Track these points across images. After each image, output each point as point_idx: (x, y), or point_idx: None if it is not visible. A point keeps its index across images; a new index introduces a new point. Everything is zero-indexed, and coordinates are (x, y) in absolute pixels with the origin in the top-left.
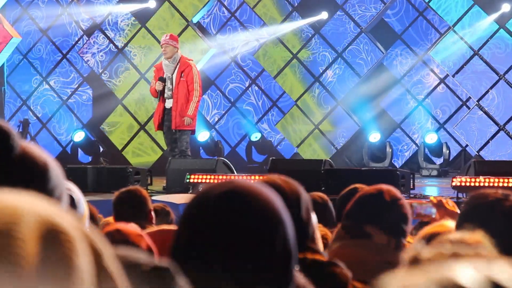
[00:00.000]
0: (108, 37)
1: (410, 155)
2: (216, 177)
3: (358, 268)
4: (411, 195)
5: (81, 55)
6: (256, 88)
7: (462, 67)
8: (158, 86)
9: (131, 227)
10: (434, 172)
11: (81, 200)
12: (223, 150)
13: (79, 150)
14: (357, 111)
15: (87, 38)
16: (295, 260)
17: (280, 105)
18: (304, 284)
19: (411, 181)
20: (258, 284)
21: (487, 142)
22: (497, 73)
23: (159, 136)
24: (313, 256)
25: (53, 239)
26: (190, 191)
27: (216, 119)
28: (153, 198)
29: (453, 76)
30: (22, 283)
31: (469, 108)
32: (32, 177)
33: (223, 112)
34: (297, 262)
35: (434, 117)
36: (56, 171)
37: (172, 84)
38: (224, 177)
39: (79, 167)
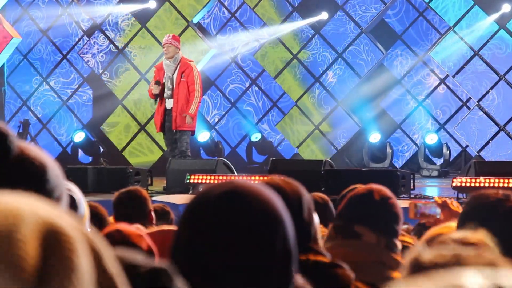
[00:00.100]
0: (108, 38)
1: (411, 155)
2: (216, 177)
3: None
4: (412, 196)
5: (81, 55)
6: (256, 88)
7: (462, 67)
8: (155, 89)
9: (131, 228)
10: (435, 173)
11: (82, 200)
12: (223, 151)
13: (79, 150)
14: (357, 111)
15: (87, 39)
16: (295, 260)
17: (280, 106)
18: (303, 284)
19: (412, 182)
20: (258, 284)
21: (488, 143)
22: (497, 74)
23: (159, 137)
24: (316, 258)
25: (53, 240)
26: (190, 192)
27: (216, 120)
28: (153, 198)
29: (453, 76)
30: (24, 284)
31: (469, 108)
32: (30, 178)
33: (223, 112)
34: (298, 263)
35: (434, 118)
36: (55, 171)
37: (172, 84)
38: (224, 177)
39: (79, 168)
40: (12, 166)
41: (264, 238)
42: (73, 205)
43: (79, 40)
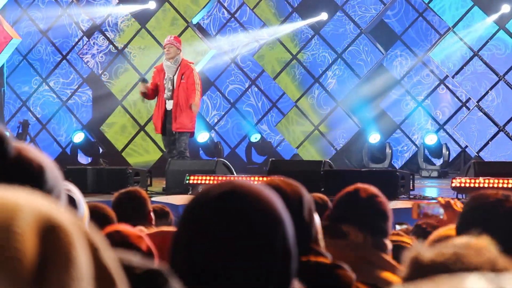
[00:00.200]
0: (108, 38)
1: (410, 156)
2: (216, 178)
3: None
4: (411, 196)
5: (80, 56)
6: (256, 89)
7: (462, 68)
8: (142, 88)
9: (131, 229)
10: (434, 173)
11: (81, 201)
12: (222, 151)
13: (79, 151)
14: (357, 112)
15: (87, 39)
16: (295, 261)
17: (279, 106)
18: None
19: (411, 182)
20: (257, 284)
21: (487, 143)
22: (497, 74)
23: (158, 137)
24: (316, 259)
25: (51, 233)
26: (190, 192)
27: (216, 120)
28: (153, 199)
29: (453, 77)
30: (21, 277)
31: (469, 109)
32: (27, 179)
33: (223, 113)
34: (299, 264)
35: (434, 118)
36: (52, 172)
37: (173, 85)
38: (224, 178)
39: (79, 168)
40: (10, 168)
41: (264, 238)
42: (72, 205)
43: (78, 40)
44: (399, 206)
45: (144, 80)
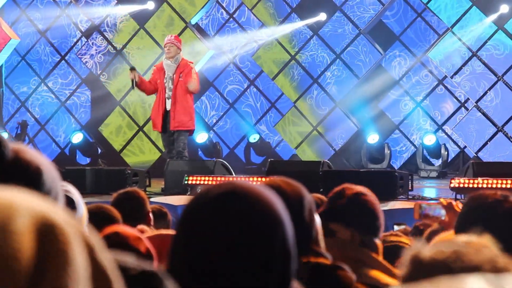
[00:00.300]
0: (106, 39)
1: (409, 156)
2: (215, 178)
3: None
4: (410, 197)
5: (79, 56)
6: (255, 89)
7: (460, 68)
8: (131, 75)
9: (130, 230)
10: (433, 174)
11: (80, 202)
12: (221, 152)
13: (78, 151)
14: (355, 112)
15: (86, 40)
16: (295, 261)
17: (278, 107)
18: None
19: (410, 183)
20: (257, 285)
21: (486, 144)
22: (495, 75)
23: (156, 138)
24: (317, 259)
25: (48, 233)
26: (188, 193)
27: (215, 121)
28: (151, 199)
29: (452, 77)
30: (19, 277)
31: (467, 109)
32: (25, 182)
33: (222, 113)
34: (299, 265)
35: (432, 119)
36: (50, 174)
37: (173, 84)
38: (223, 178)
39: (78, 169)
40: (7, 170)
41: (263, 239)
42: (71, 206)
43: (77, 41)
44: (398, 206)
45: (132, 68)
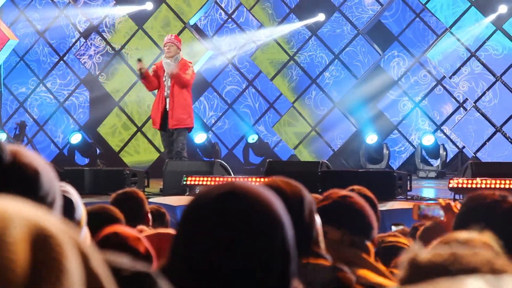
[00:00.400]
0: (105, 39)
1: (407, 156)
2: (213, 179)
3: None
4: (408, 197)
5: (78, 57)
6: (253, 90)
7: (459, 68)
8: (138, 66)
9: (129, 230)
10: (431, 174)
11: (79, 202)
12: (220, 152)
13: (76, 152)
14: (354, 112)
15: (84, 40)
16: (294, 261)
17: (277, 107)
18: None
19: (408, 183)
20: (256, 285)
21: (484, 144)
22: (494, 75)
23: (155, 138)
24: (316, 261)
25: (42, 242)
26: (187, 193)
27: (213, 121)
28: (150, 200)
29: (450, 77)
30: (13, 286)
31: (466, 109)
32: (22, 185)
33: (220, 114)
34: (298, 266)
35: (431, 119)
36: (47, 177)
37: (171, 82)
38: (221, 179)
39: (76, 169)
40: (5, 173)
41: (263, 239)
42: (70, 207)
43: (75, 41)
44: (396, 207)
45: (139, 60)
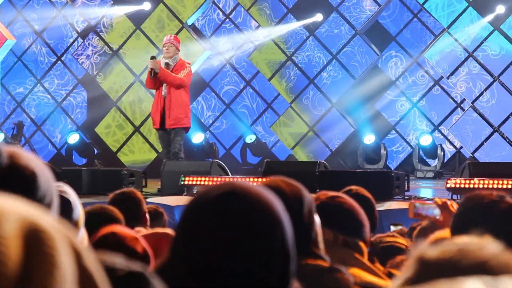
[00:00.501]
0: (102, 39)
1: (405, 157)
2: (211, 179)
3: None
4: (406, 197)
5: (75, 57)
6: (251, 90)
7: (456, 69)
8: (151, 64)
9: (127, 230)
10: (429, 174)
11: (77, 202)
12: (217, 152)
13: (74, 152)
14: (352, 113)
15: (82, 40)
16: (294, 261)
17: (274, 107)
18: None
19: (406, 183)
20: (256, 285)
21: (482, 144)
22: (491, 75)
23: (153, 138)
24: (315, 262)
25: (35, 238)
26: (185, 193)
27: (211, 121)
28: (148, 200)
29: (448, 78)
30: (5, 281)
31: (463, 110)
32: (20, 188)
33: (218, 114)
34: (297, 267)
35: (428, 119)
36: (45, 178)
37: None
38: (219, 179)
39: (74, 169)
40: (2, 175)
41: (262, 239)
42: (68, 207)
43: (73, 41)
44: (394, 207)
45: (153, 57)
